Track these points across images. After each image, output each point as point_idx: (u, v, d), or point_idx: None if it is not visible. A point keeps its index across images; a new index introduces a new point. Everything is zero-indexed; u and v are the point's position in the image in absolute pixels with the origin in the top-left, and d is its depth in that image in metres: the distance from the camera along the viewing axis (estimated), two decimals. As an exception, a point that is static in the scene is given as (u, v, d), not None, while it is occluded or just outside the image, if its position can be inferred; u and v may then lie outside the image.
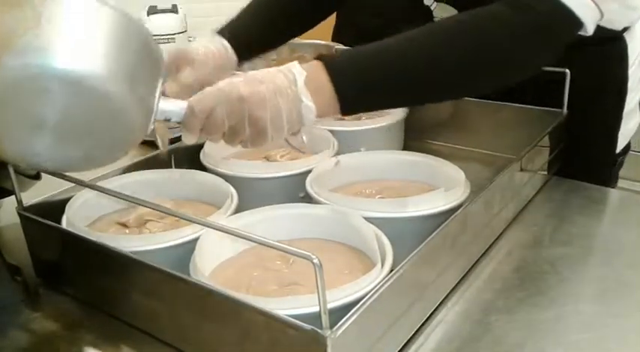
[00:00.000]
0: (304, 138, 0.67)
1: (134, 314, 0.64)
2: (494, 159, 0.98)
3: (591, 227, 0.81)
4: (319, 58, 0.65)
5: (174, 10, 1.66)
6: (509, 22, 0.65)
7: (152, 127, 0.60)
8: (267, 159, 0.88)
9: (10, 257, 0.72)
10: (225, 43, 0.83)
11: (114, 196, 0.64)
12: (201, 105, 0.61)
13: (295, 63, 0.64)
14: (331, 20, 1.23)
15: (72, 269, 0.69)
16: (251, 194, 0.77)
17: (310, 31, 0.99)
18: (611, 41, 0.93)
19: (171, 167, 0.87)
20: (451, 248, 0.66)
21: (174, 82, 0.75)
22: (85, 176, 0.72)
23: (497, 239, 0.78)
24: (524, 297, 0.67)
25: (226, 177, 0.79)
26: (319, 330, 0.48)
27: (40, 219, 0.68)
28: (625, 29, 0.93)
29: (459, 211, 0.67)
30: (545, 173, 0.91)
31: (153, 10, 1.63)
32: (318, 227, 0.70)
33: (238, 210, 0.72)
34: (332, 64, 0.64)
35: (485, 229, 0.75)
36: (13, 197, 0.70)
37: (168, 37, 1.62)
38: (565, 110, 0.91)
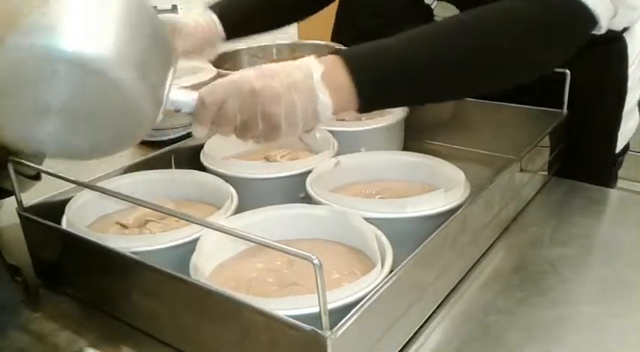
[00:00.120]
0: (317, 135, 0.65)
1: (134, 314, 0.64)
2: (494, 159, 0.98)
3: (591, 227, 0.81)
4: (336, 51, 0.63)
5: (174, 10, 1.66)
6: (523, 16, 0.63)
7: (161, 117, 0.57)
8: (267, 159, 0.88)
9: (10, 257, 0.72)
10: (215, 18, 0.83)
11: (114, 196, 0.64)
12: (212, 97, 0.59)
13: (312, 57, 0.62)
14: (331, 20, 1.23)
15: (72, 269, 0.69)
16: (251, 194, 0.77)
17: (310, 32, 0.99)
18: (611, 41, 0.93)
19: (171, 167, 0.87)
20: (451, 248, 0.66)
21: None
22: (85, 176, 0.72)
23: (497, 239, 0.78)
24: (524, 298, 0.67)
25: (226, 178, 0.79)
26: (319, 331, 0.48)
27: (40, 220, 0.68)
28: (625, 29, 0.93)
29: (459, 212, 0.67)
30: (545, 173, 0.91)
31: (153, 11, 1.63)
32: (318, 227, 0.70)
33: (238, 210, 0.72)
34: (351, 59, 0.62)
35: (485, 229, 0.75)
36: (13, 197, 0.70)
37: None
38: (565, 110, 0.92)
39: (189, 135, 0.97)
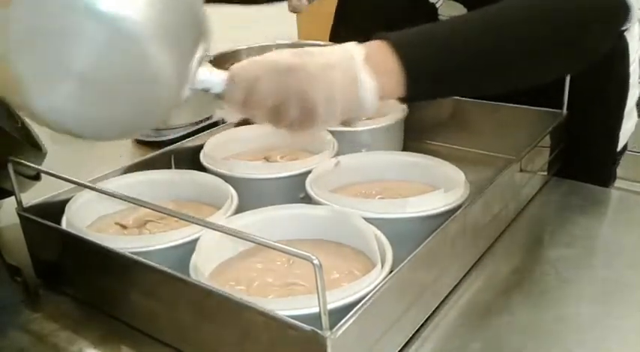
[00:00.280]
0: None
1: (134, 314, 0.64)
2: (494, 159, 0.98)
3: (591, 228, 0.81)
4: (377, 36, 0.59)
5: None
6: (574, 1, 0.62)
7: (187, 95, 0.55)
8: (267, 159, 0.88)
9: (10, 257, 0.72)
10: None
11: (114, 197, 0.64)
12: (243, 75, 0.55)
13: (352, 42, 0.58)
14: (330, 20, 1.23)
15: (72, 269, 0.69)
16: (251, 194, 0.77)
17: (310, 32, 0.99)
18: None
19: (171, 167, 0.87)
20: (451, 249, 0.66)
21: None
22: (85, 176, 0.72)
23: (497, 239, 0.78)
24: (524, 298, 0.67)
25: (226, 178, 0.79)
26: (319, 331, 0.48)
27: (39, 220, 0.68)
28: (625, 28, 0.93)
29: (459, 212, 0.67)
30: (545, 173, 0.91)
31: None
32: (318, 227, 0.70)
33: (238, 210, 0.72)
34: (399, 43, 0.57)
35: (485, 230, 0.75)
36: (13, 197, 0.70)
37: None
38: (565, 110, 0.92)
39: (189, 135, 0.97)
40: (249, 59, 0.56)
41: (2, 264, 0.70)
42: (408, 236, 0.65)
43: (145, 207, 0.62)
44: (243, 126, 0.95)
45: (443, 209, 0.70)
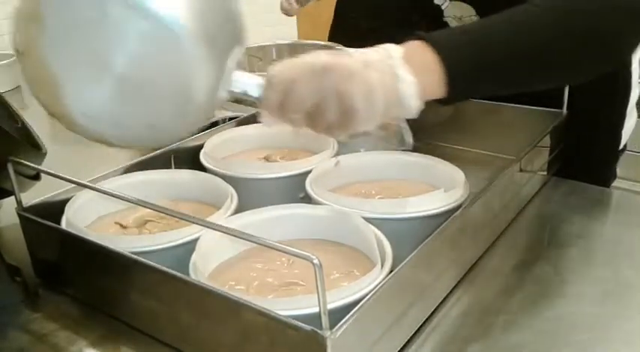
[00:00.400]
0: (407, 137, 0.60)
1: (134, 314, 0.64)
2: (493, 159, 0.98)
3: (591, 227, 0.81)
4: (413, 36, 0.58)
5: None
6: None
7: (223, 98, 0.54)
8: (267, 159, 0.88)
9: (9, 257, 0.72)
10: None
11: (114, 196, 0.64)
12: (280, 77, 0.54)
13: (389, 44, 0.57)
14: (329, 20, 1.23)
15: (72, 269, 0.69)
16: (251, 194, 0.77)
17: (310, 32, 0.99)
18: None
19: (171, 167, 0.87)
20: (451, 248, 0.66)
21: None
22: (85, 176, 0.72)
23: (497, 239, 0.78)
24: (524, 298, 0.67)
25: (226, 178, 0.79)
26: (319, 331, 0.48)
27: (39, 220, 0.68)
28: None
29: (459, 212, 0.67)
30: (545, 173, 0.91)
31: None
32: (318, 227, 0.70)
33: (238, 210, 0.72)
34: (439, 41, 0.57)
35: (485, 230, 0.75)
36: (12, 197, 0.70)
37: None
38: (565, 110, 0.92)
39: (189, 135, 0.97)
40: (286, 60, 0.55)
41: (2, 263, 0.70)
42: (408, 236, 0.65)
43: (145, 207, 0.62)
44: (243, 126, 0.95)
45: (443, 209, 0.70)
